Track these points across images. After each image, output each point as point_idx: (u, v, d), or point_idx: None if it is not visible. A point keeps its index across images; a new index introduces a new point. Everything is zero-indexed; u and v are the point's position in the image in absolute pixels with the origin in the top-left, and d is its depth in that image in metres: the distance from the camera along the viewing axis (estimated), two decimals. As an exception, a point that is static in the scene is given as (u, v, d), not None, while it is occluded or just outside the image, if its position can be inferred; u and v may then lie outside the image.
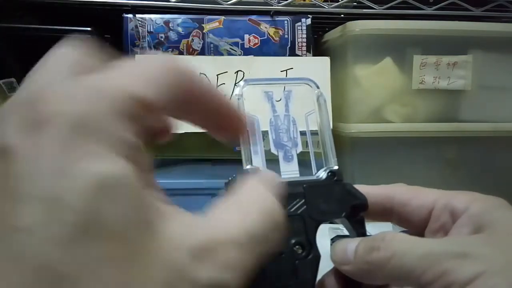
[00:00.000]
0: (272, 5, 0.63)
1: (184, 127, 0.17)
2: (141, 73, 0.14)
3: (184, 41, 0.63)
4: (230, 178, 0.21)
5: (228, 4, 0.62)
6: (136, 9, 0.62)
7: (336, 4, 0.65)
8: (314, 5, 0.65)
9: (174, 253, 0.12)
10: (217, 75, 0.58)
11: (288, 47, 0.65)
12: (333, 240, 0.24)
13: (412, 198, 0.24)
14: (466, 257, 0.18)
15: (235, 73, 0.59)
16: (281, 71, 0.59)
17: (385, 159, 0.61)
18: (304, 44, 0.65)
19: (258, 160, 0.23)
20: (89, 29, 0.57)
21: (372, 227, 0.25)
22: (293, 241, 0.22)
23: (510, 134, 0.61)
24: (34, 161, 0.11)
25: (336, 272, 0.24)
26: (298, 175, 0.25)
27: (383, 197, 0.25)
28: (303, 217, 0.23)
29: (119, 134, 0.12)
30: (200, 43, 0.63)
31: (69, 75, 0.14)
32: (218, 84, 0.58)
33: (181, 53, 0.62)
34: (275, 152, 0.25)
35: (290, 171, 0.24)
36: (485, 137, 0.61)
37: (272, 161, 0.24)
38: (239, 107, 0.23)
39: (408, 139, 0.60)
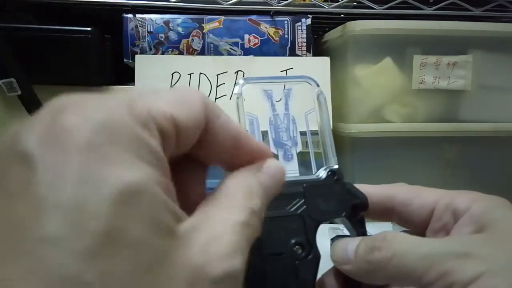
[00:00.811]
0: (272, 5, 0.63)
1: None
2: (167, 95, 0.14)
3: (184, 41, 0.63)
4: None
5: (228, 4, 0.62)
6: (136, 9, 0.62)
7: (336, 4, 0.65)
8: (314, 5, 0.65)
9: (191, 255, 0.13)
10: (217, 75, 0.58)
11: (288, 47, 0.65)
12: (333, 240, 0.24)
13: (414, 197, 0.24)
14: (467, 257, 0.18)
15: (235, 73, 0.59)
16: (281, 71, 0.59)
17: (385, 159, 0.61)
18: (304, 44, 0.65)
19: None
20: (89, 29, 0.57)
21: (372, 227, 0.25)
22: (293, 241, 0.22)
23: (510, 134, 0.61)
24: (57, 168, 0.11)
25: (336, 271, 0.24)
26: (298, 175, 0.25)
27: (384, 196, 0.25)
28: (303, 217, 0.23)
29: (143, 140, 0.12)
30: (200, 43, 0.63)
31: None
32: (218, 84, 0.58)
33: (181, 53, 0.62)
34: (275, 151, 0.24)
35: (289, 170, 0.24)
36: (485, 137, 0.61)
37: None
38: (238, 106, 0.23)
39: (408, 139, 0.60)
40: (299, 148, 0.23)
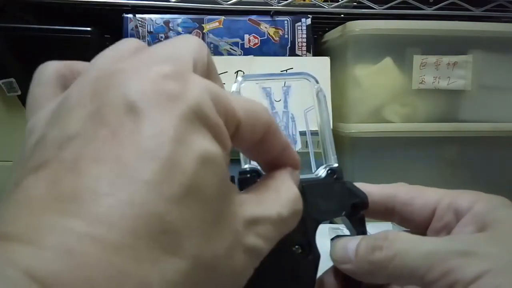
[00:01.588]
0: (272, 5, 0.63)
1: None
2: (243, 101, 0.17)
3: (184, 41, 0.63)
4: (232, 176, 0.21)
5: (228, 4, 0.62)
6: (136, 9, 0.63)
7: (336, 4, 0.65)
8: (314, 5, 0.65)
9: (237, 221, 0.15)
10: (217, 75, 0.58)
11: (288, 47, 0.65)
12: (333, 240, 0.24)
13: (415, 197, 0.24)
14: (470, 255, 0.18)
15: (235, 73, 0.59)
16: (281, 71, 0.59)
17: (385, 159, 0.61)
18: (304, 44, 0.65)
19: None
20: (89, 29, 0.57)
21: (372, 227, 0.25)
22: (292, 240, 0.22)
23: (510, 134, 0.61)
24: (160, 126, 0.13)
25: (335, 270, 0.23)
26: None
27: (385, 196, 0.25)
28: (302, 216, 0.22)
29: (218, 123, 0.15)
30: (200, 43, 0.63)
31: None
32: (218, 84, 0.58)
33: (181, 53, 0.62)
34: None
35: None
36: (485, 137, 0.61)
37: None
38: None
39: (408, 139, 0.60)
40: (298, 146, 0.23)
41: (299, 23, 0.65)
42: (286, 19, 0.65)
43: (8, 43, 0.54)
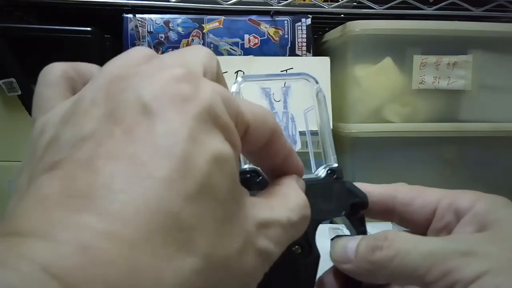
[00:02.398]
0: (272, 5, 0.63)
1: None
2: (251, 106, 0.18)
3: (184, 41, 0.63)
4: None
5: (228, 4, 0.62)
6: (136, 9, 0.62)
7: (336, 4, 0.65)
8: (314, 5, 0.65)
9: (249, 223, 0.16)
10: (217, 75, 0.58)
11: (288, 47, 0.65)
12: (333, 240, 0.24)
13: (415, 197, 0.24)
14: (470, 255, 0.18)
15: (235, 73, 0.59)
16: (281, 71, 0.59)
17: (385, 159, 0.61)
18: (304, 44, 0.65)
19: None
20: (89, 29, 0.57)
21: (372, 227, 0.25)
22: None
23: (510, 134, 0.61)
24: (174, 126, 0.13)
25: (335, 270, 0.23)
26: None
27: (385, 196, 0.25)
28: None
29: (229, 125, 0.15)
30: (200, 43, 0.63)
31: None
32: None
33: (181, 53, 0.62)
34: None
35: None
36: (485, 137, 0.61)
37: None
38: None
39: (408, 139, 0.60)
40: (298, 146, 0.23)
41: (299, 23, 0.65)
42: (286, 19, 0.65)
43: (8, 43, 0.54)
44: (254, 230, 0.16)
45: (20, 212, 0.12)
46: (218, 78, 0.18)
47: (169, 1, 0.61)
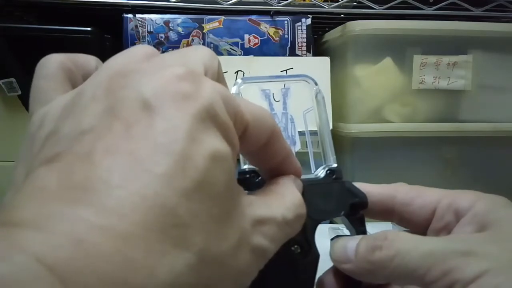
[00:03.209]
0: (272, 5, 0.63)
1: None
2: (251, 106, 0.18)
3: (184, 41, 0.63)
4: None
5: (228, 4, 0.62)
6: (136, 9, 0.63)
7: (336, 4, 0.65)
8: (314, 5, 0.65)
9: (244, 220, 0.16)
10: (217, 75, 0.58)
11: (288, 47, 0.65)
12: (333, 240, 0.24)
13: (415, 197, 0.24)
14: (470, 255, 0.18)
15: (235, 73, 0.59)
16: (281, 71, 0.59)
17: (385, 159, 0.61)
18: (304, 44, 0.65)
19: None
20: (89, 29, 0.57)
21: (372, 227, 0.25)
22: (291, 240, 0.22)
23: (510, 134, 0.61)
24: (174, 123, 0.14)
25: (335, 270, 0.23)
26: None
27: (385, 196, 0.25)
28: None
29: (228, 124, 0.15)
30: (200, 43, 0.63)
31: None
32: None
33: (181, 53, 0.62)
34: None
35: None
36: (485, 137, 0.61)
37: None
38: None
39: (408, 139, 0.60)
40: (298, 147, 0.23)
41: (299, 23, 0.65)
42: (286, 19, 0.65)
43: (8, 43, 0.54)
44: (250, 228, 0.16)
45: (16, 203, 0.12)
46: (219, 77, 0.18)
47: (169, 1, 0.61)
